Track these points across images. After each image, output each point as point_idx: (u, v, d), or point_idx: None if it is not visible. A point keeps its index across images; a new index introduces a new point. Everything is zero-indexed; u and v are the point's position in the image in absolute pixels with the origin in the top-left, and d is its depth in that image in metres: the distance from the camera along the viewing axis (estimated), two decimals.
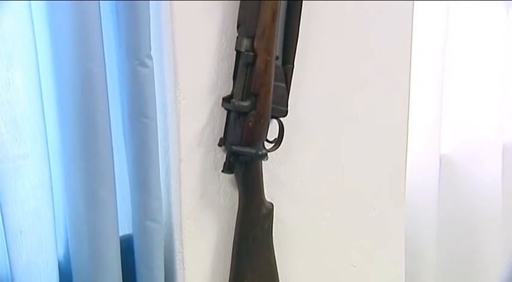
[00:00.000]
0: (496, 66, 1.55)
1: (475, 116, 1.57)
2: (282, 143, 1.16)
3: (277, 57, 1.11)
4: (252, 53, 1.07)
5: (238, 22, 1.08)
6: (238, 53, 1.09)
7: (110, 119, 1.01)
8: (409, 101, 1.31)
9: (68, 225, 1.06)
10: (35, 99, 0.99)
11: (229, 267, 1.17)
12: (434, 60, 1.50)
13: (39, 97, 0.99)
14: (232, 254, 1.17)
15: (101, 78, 0.98)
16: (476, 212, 1.62)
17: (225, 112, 1.12)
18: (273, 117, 1.13)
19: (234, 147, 1.11)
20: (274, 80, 1.11)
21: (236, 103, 1.09)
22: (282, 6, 1.10)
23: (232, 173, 1.13)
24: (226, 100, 1.11)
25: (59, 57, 0.98)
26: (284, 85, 1.14)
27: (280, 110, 1.14)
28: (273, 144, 1.16)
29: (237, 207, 1.16)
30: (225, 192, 1.17)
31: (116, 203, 1.04)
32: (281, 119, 1.15)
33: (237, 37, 1.08)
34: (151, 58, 1.02)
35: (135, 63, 1.01)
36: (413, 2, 1.26)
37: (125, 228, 1.11)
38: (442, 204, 1.59)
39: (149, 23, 1.01)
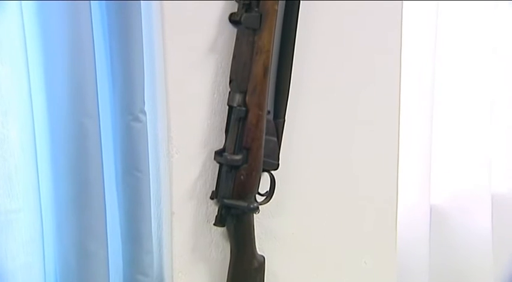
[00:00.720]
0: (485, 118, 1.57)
1: (464, 167, 1.59)
2: (274, 195, 1.17)
3: (268, 112, 1.13)
4: (244, 108, 1.09)
5: (230, 77, 1.10)
6: (231, 108, 1.11)
7: (103, 174, 1.01)
8: (398, 150, 1.33)
9: (58, 281, 1.05)
10: (29, 154, 1.00)
11: None
12: (422, 114, 1.52)
13: (33, 151, 1.00)
14: None
15: (95, 133, 1.00)
16: (468, 263, 1.62)
17: (217, 165, 1.13)
18: (264, 170, 1.15)
19: (225, 201, 1.11)
20: (266, 134, 1.13)
21: (228, 157, 1.10)
22: (274, 60, 1.13)
23: (224, 226, 1.14)
24: (219, 154, 1.12)
25: (54, 112, 0.99)
26: (275, 139, 1.16)
27: (272, 164, 1.16)
28: (264, 197, 1.17)
29: (229, 260, 1.16)
30: (217, 245, 1.17)
31: (108, 256, 1.04)
32: (272, 172, 1.17)
33: (229, 92, 1.11)
34: (145, 113, 1.04)
35: (129, 118, 1.02)
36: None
37: None
38: (433, 256, 1.59)
39: (143, 79, 1.03)
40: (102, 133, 1.02)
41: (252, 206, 1.12)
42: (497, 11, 1.57)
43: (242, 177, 1.11)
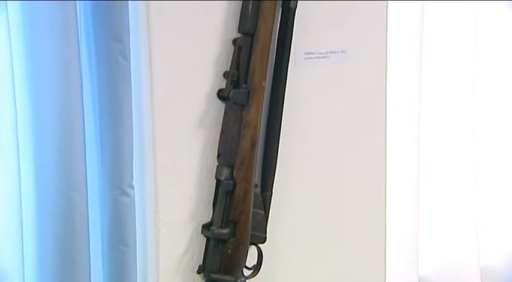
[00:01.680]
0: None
1: (452, 238, 1.59)
2: (261, 269, 1.16)
3: (256, 185, 1.14)
4: (231, 182, 1.10)
5: (218, 152, 1.12)
6: (218, 182, 1.12)
7: (89, 248, 1.01)
8: (386, 220, 1.33)
9: None
10: (14, 227, 1.00)
11: None
12: (409, 183, 1.54)
13: (19, 224, 1.00)
14: None
15: (83, 207, 1.00)
16: None
17: (205, 239, 1.13)
18: (251, 243, 1.15)
19: (212, 275, 1.11)
20: (253, 207, 1.13)
21: (215, 231, 1.10)
22: (261, 134, 1.15)
23: None
24: (206, 227, 1.12)
25: (42, 186, 1.00)
26: (263, 212, 1.16)
27: (259, 237, 1.16)
28: (251, 271, 1.16)
29: None
30: None
31: None
32: (260, 245, 1.16)
33: (217, 166, 1.12)
34: (133, 187, 1.04)
35: (117, 192, 1.03)
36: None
37: None
38: None
39: (132, 154, 1.05)
40: (89, 207, 1.02)
41: (239, 280, 1.11)
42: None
43: (229, 251, 1.11)
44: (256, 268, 1.16)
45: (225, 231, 1.10)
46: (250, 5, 1.08)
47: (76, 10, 0.98)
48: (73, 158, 0.99)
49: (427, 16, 1.49)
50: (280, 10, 1.13)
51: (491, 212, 1.66)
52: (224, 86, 1.10)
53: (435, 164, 1.58)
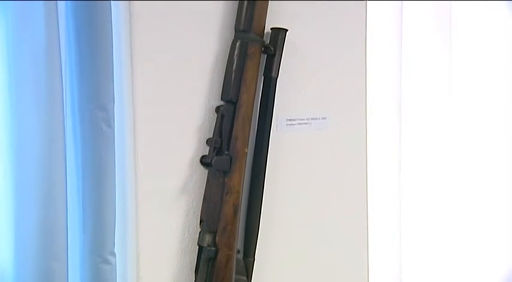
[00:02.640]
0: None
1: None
2: None
3: (238, 251, 1.14)
4: (213, 248, 1.10)
5: (200, 218, 1.12)
6: (201, 248, 1.12)
7: None
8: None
9: None
10: None
11: None
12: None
13: None
14: None
15: (63, 277, 0.99)
16: None
17: None
18: None
19: None
20: (236, 274, 1.13)
21: None
22: (244, 200, 1.15)
23: None
24: None
25: (22, 256, 0.99)
26: (245, 278, 1.16)
27: None
28: None
29: None
30: None
31: None
32: None
33: (200, 232, 1.12)
34: (114, 255, 1.04)
35: (98, 260, 1.02)
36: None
37: None
38: None
39: (114, 221, 1.04)
40: (70, 276, 1.01)
41: None
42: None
43: None
44: None
45: None
46: (233, 74, 1.11)
47: (62, 78, 0.99)
48: (54, 227, 0.98)
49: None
50: (263, 78, 1.16)
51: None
52: (207, 153, 1.12)
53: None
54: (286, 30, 1.16)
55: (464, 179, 1.62)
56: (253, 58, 1.12)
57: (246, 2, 1.11)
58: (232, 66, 1.11)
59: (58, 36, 0.99)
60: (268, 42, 1.15)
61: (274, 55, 1.15)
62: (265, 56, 1.16)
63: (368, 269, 1.33)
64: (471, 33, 1.61)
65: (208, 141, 1.12)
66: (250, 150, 1.15)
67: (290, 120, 1.23)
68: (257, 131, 1.17)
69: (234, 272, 1.12)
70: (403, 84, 1.48)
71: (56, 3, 0.98)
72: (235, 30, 1.12)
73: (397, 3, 1.44)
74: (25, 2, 0.96)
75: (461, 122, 1.60)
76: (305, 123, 1.25)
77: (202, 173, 1.13)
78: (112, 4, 1.03)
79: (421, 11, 1.49)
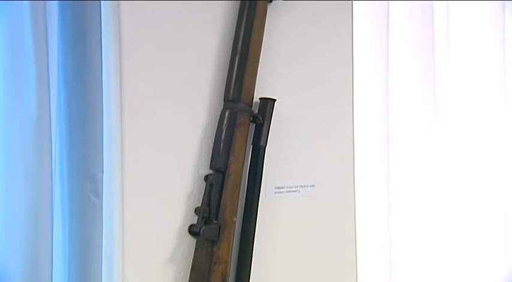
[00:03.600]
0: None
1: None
2: None
3: None
4: None
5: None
6: None
7: None
8: None
9: None
10: None
11: None
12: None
13: None
14: None
15: None
16: None
17: None
18: None
19: None
20: None
21: None
22: (232, 269, 1.14)
23: None
24: None
25: None
26: None
27: None
28: None
29: None
30: None
31: None
32: None
33: None
34: None
35: None
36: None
37: None
38: None
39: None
40: None
41: None
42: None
43: None
44: None
45: None
46: (222, 143, 1.12)
47: (52, 150, 1.00)
48: None
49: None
50: (251, 147, 1.18)
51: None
52: (195, 222, 1.12)
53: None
54: (275, 100, 1.18)
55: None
56: (242, 127, 1.14)
57: (235, 73, 1.13)
58: (221, 135, 1.13)
59: (49, 106, 1.00)
60: (257, 111, 1.17)
61: (262, 124, 1.17)
62: (254, 125, 1.17)
63: None
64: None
65: (196, 210, 1.12)
66: (238, 219, 1.15)
67: (279, 188, 1.23)
68: (246, 199, 1.17)
69: None
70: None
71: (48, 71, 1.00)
72: (224, 100, 1.14)
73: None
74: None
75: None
76: (294, 191, 1.25)
77: (191, 242, 1.12)
78: (104, 65, 1.05)
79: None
